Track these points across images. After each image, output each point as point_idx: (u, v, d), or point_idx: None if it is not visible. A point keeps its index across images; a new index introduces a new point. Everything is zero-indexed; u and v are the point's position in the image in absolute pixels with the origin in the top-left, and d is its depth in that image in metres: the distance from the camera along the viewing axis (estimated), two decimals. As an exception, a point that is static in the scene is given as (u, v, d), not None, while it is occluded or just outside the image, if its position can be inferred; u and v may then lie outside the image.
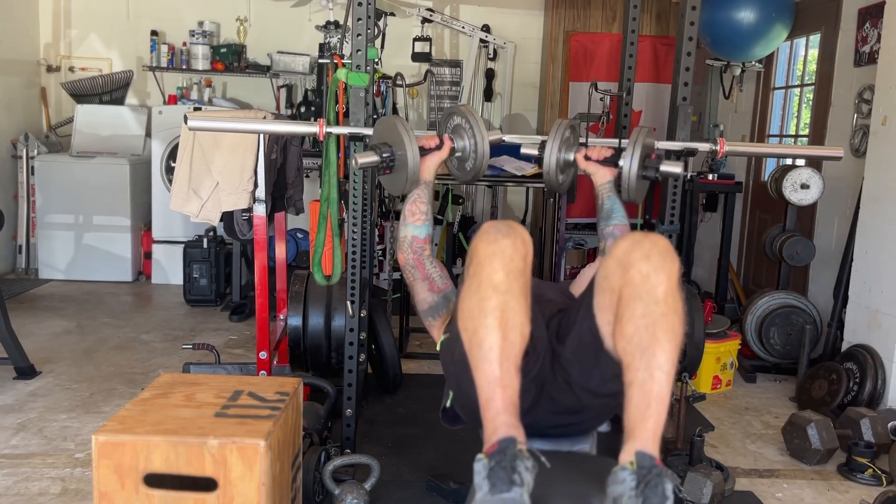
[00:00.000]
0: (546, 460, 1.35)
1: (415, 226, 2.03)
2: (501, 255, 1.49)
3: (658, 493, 1.27)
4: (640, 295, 1.45)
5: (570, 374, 1.66)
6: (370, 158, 2.06)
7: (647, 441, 1.35)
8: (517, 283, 1.49)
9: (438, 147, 2.12)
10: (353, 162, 2.05)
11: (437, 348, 1.88)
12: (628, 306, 1.46)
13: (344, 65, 2.60)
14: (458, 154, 2.15)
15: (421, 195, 2.06)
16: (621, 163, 2.08)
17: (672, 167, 2.14)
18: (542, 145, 2.18)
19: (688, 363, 3.19)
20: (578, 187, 4.13)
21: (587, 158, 2.18)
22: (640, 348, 1.42)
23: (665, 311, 1.43)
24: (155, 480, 1.78)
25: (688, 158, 2.61)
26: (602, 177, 2.18)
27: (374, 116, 2.91)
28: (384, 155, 2.06)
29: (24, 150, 5.48)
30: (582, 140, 2.30)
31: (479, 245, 1.53)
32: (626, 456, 1.34)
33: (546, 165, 2.17)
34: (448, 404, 1.87)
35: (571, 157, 2.20)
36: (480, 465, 1.33)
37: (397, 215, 4.85)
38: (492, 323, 1.45)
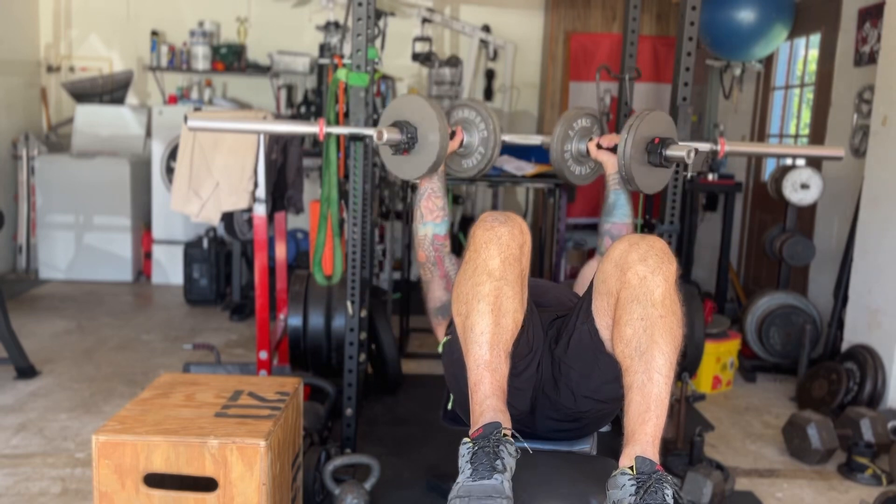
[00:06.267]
0: (529, 447, 1.36)
1: (434, 224, 1.97)
2: (498, 242, 1.49)
3: (657, 498, 1.26)
4: (638, 297, 1.45)
5: (571, 379, 1.66)
6: (394, 135, 1.91)
7: (647, 445, 1.35)
8: (513, 270, 1.49)
9: (450, 137, 2.00)
10: (378, 135, 1.88)
11: (439, 349, 1.88)
12: (626, 309, 1.46)
13: (344, 65, 2.60)
14: (460, 149, 2.05)
15: (435, 190, 1.98)
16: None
17: (678, 151, 1.95)
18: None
19: (688, 363, 3.19)
20: (578, 187, 4.13)
21: (599, 147, 2.06)
22: (639, 351, 1.41)
23: (663, 314, 1.43)
24: (155, 480, 1.78)
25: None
26: (612, 166, 2.06)
27: (374, 117, 2.91)
28: (408, 135, 1.92)
29: (25, 150, 5.49)
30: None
31: (476, 231, 1.54)
32: (626, 461, 1.34)
33: (552, 153, 2.07)
34: (449, 406, 1.87)
35: (585, 147, 2.08)
36: (465, 448, 1.35)
37: (398, 215, 4.87)
38: (484, 308, 1.45)
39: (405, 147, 1.93)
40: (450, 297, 1.92)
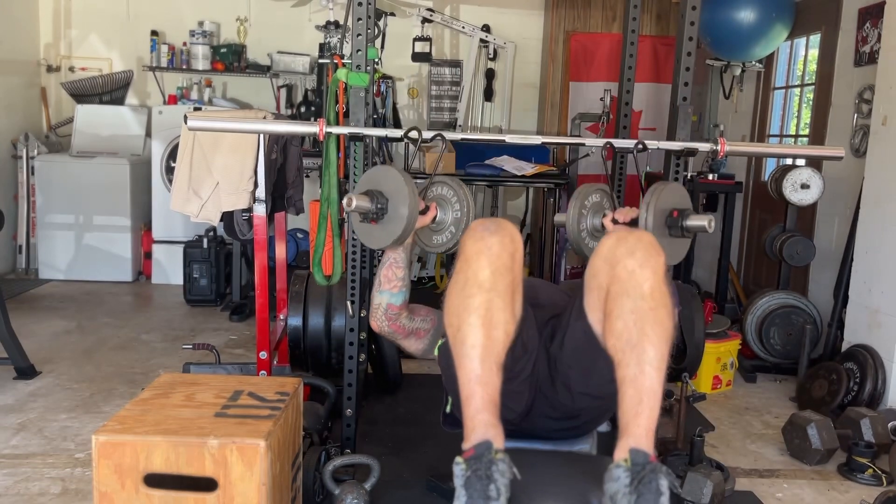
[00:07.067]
0: (517, 472, 1.36)
1: (391, 293, 1.95)
2: (488, 253, 1.50)
3: (652, 488, 1.28)
4: (628, 291, 1.46)
5: (570, 378, 1.66)
6: (364, 203, 1.89)
7: (641, 437, 1.36)
8: (503, 280, 1.50)
9: (423, 212, 1.98)
10: (347, 202, 1.86)
11: (435, 353, 1.89)
12: (616, 303, 1.47)
13: (344, 65, 2.60)
14: (432, 224, 2.02)
15: (398, 260, 1.97)
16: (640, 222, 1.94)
17: (698, 221, 1.98)
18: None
19: (688, 363, 3.18)
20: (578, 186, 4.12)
21: (615, 222, 2.04)
22: (630, 344, 1.43)
23: (653, 306, 1.44)
24: (155, 480, 1.78)
25: (688, 158, 2.61)
26: None
27: (374, 116, 2.91)
28: (378, 205, 1.90)
29: (25, 150, 5.49)
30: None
31: (467, 242, 1.54)
32: (621, 453, 1.35)
33: (569, 233, 2.09)
34: (448, 409, 1.87)
35: (599, 222, 2.09)
36: (459, 470, 1.35)
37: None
38: (475, 321, 1.45)
39: (373, 217, 1.91)
40: (428, 344, 1.97)
